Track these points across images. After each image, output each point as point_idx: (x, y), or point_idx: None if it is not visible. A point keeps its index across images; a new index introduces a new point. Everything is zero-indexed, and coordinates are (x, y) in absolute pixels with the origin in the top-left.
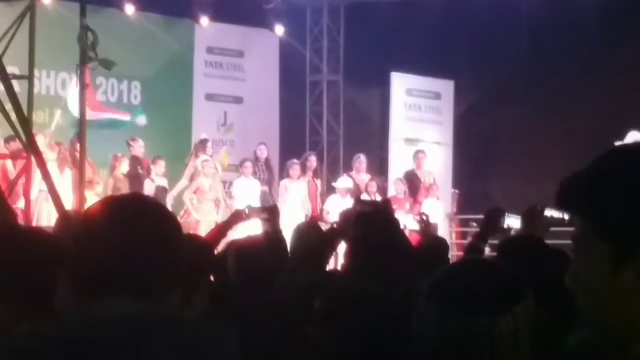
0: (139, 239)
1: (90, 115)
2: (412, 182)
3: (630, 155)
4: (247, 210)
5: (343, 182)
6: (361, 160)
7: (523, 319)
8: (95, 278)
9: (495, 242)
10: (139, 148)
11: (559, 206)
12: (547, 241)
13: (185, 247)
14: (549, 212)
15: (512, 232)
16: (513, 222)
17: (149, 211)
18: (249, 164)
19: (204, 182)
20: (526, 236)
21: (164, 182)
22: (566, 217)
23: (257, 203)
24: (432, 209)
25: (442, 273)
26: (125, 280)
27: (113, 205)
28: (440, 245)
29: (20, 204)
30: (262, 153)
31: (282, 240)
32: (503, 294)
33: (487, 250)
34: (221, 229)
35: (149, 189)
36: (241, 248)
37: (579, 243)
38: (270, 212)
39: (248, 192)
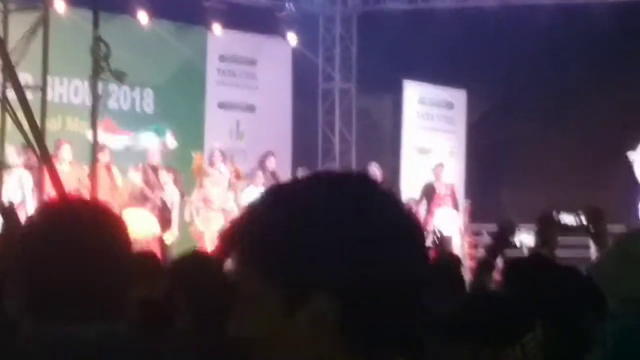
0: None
1: (110, 140)
2: (431, 194)
3: (294, 194)
4: None
5: None
6: (374, 169)
7: (532, 350)
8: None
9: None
10: (154, 156)
11: (221, 252)
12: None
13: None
14: (564, 218)
15: (524, 248)
16: (525, 237)
17: (86, 226)
18: (259, 173)
19: (212, 191)
20: (532, 257)
21: (175, 192)
22: (583, 221)
23: None
24: (446, 219)
25: (450, 306)
26: (78, 303)
27: (53, 218)
28: (454, 263)
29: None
30: (271, 164)
31: None
32: (511, 326)
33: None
34: None
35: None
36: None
37: (242, 288)
38: None
39: None
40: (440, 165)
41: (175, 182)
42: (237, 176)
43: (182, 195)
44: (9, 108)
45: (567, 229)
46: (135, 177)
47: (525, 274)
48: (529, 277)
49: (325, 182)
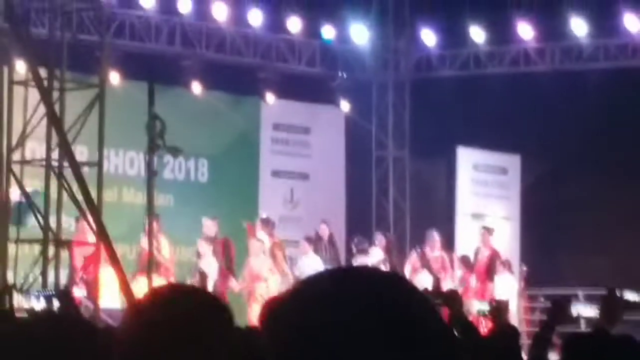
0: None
1: None
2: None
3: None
4: None
5: (376, 255)
6: (434, 236)
7: None
8: None
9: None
10: (212, 228)
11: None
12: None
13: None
14: (628, 296)
15: (582, 321)
16: (582, 309)
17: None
18: (304, 243)
19: (251, 261)
20: (591, 334)
21: (212, 262)
22: None
23: None
24: (505, 284)
25: None
26: None
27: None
28: (512, 333)
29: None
30: (324, 232)
31: None
32: None
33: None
34: None
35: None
36: None
37: None
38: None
39: (312, 270)
40: (485, 229)
41: (215, 252)
42: (277, 245)
43: (226, 265)
44: (64, 183)
45: (631, 307)
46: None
47: (586, 349)
48: (590, 352)
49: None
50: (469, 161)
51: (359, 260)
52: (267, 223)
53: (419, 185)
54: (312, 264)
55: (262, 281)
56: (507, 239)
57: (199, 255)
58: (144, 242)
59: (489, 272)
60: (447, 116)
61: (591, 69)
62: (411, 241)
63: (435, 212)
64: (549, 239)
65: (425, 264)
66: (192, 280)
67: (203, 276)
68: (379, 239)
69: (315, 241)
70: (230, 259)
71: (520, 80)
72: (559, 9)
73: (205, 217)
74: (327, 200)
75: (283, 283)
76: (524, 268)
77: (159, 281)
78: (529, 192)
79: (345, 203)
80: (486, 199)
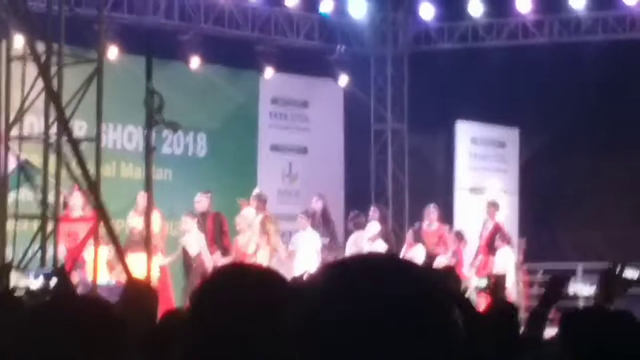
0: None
1: None
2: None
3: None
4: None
5: (371, 226)
6: (431, 210)
7: None
8: None
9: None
10: (204, 202)
11: None
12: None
13: None
14: (627, 273)
15: (580, 299)
16: (579, 287)
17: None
18: (302, 218)
19: (240, 240)
20: (589, 309)
21: (200, 237)
22: None
23: (317, 256)
24: (504, 259)
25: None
26: None
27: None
28: (509, 309)
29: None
30: (317, 205)
31: None
32: None
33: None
34: None
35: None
36: None
37: None
38: None
39: (307, 245)
40: (491, 204)
41: (205, 227)
42: (269, 220)
43: (218, 240)
44: (64, 161)
45: (630, 284)
46: (137, 222)
47: (584, 325)
48: (589, 328)
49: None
50: (468, 134)
51: (355, 235)
52: (260, 198)
53: (417, 159)
54: (309, 239)
55: (248, 257)
56: (505, 212)
57: (183, 230)
58: (133, 220)
59: (491, 247)
60: (446, 89)
61: (589, 41)
62: (410, 215)
63: (434, 185)
64: (548, 213)
65: (419, 239)
66: (175, 255)
67: (185, 252)
68: (373, 210)
69: (310, 215)
70: (223, 233)
71: (519, 53)
72: None
73: (200, 192)
74: (326, 174)
75: (272, 258)
76: (524, 240)
77: (144, 257)
78: (528, 165)
79: (344, 177)
80: (485, 172)
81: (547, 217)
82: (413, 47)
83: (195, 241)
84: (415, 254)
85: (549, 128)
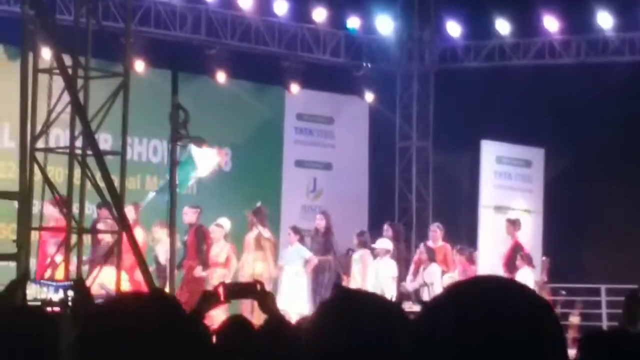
0: None
1: None
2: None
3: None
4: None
5: (381, 243)
6: (435, 228)
7: None
8: None
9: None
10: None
11: None
12: None
13: None
14: None
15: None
16: None
17: None
18: (290, 233)
19: (212, 250)
20: (610, 331)
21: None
22: None
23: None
24: (524, 279)
25: None
26: None
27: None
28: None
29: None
30: (320, 223)
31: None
32: None
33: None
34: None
35: None
36: None
37: None
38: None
39: (294, 260)
40: (508, 222)
41: (187, 240)
42: (264, 239)
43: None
44: (88, 173)
45: None
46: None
47: (604, 347)
48: (608, 350)
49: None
50: (493, 154)
51: (358, 253)
52: (259, 212)
53: (442, 177)
54: (297, 254)
55: (219, 267)
56: (529, 232)
57: (153, 240)
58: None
59: (510, 266)
60: (471, 107)
61: (616, 61)
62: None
63: (458, 204)
64: (572, 233)
65: (433, 257)
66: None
67: (157, 261)
68: (386, 229)
69: (300, 232)
70: (205, 246)
71: (545, 72)
72: (584, 1)
73: (187, 205)
74: (350, 191)
75: (265, 274)
76: (546, 260)
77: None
78: (553, 185)
79: (368, 194)
80: (510, 191)
81: (571, 237)
82: (439, 65)
83: (163, 251)
84: (431, 272)
85: (575, 148)
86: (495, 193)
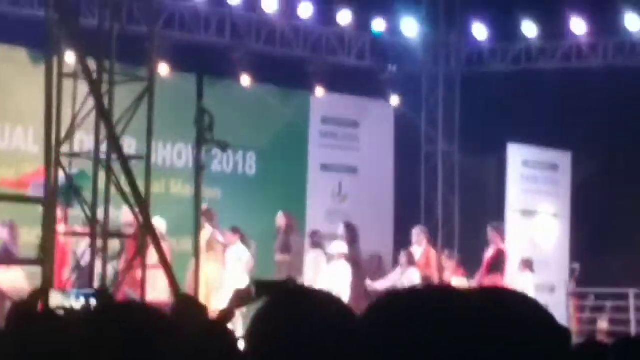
0: None
1: None
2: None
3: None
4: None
5: (336, 247)
6: (418, 232)
7: None
8: None
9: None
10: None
11: None
12: None
13: None
14: None
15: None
16: None
17: None
18: (229, 234)
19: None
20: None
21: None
22: None
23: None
24: (524, 284)
25: None
26: None
27: None
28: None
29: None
30: (280, 222)
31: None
32: None
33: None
34: None
35: None
36: None
37: None
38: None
39: (234, 261)
40: (493, 228)
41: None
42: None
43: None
44: (114, 178)
45: None
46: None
47: (635, 353)
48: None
49: None
50: (519, 157)
51: (310, 254)
52: (207, 213)
53: (468, 181)
54: (238, 254)
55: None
56: (556, 236)
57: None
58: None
59: (489, 270)
60: (498, 111)
61: None
62: (460, 237)
63: (485, 207)
64: (600, 237)
65: (412, 261)
66: None
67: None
68: (341, 230)
69: (239, 231)
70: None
71: (573, 75)
72: (612, 4)
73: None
74: (376, 195)
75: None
76: (576, 266)
77: None
78: (580, 189)
79: (394, 198)
80: (536, 195)
81: (598, 241)
82: (465, 68)
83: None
84: (409, 276)
85: (602, 152)
86: (522, 197)
